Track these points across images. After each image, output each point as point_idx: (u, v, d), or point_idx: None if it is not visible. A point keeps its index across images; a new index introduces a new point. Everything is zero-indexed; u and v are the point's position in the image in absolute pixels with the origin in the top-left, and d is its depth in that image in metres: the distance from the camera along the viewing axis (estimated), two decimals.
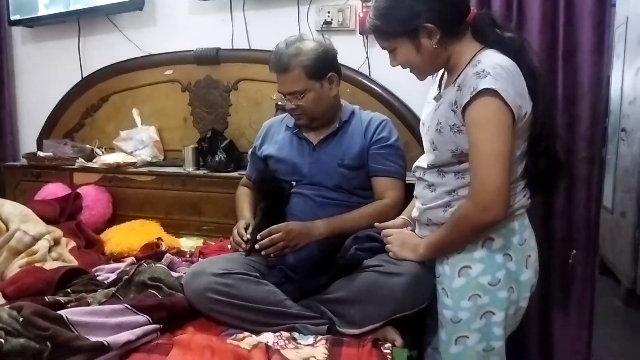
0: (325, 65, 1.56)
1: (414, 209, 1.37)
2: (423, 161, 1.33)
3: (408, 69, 1.28)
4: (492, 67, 1.13)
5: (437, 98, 1.29)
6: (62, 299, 1.43)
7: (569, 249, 1.73)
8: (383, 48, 1.28)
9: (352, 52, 2.08)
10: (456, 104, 1.17)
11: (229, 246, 1.67)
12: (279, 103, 1.67)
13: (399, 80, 2.01)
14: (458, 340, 1.26)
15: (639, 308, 2.80)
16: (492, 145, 1.12)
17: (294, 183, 1.62)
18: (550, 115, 1.25)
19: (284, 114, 1.74)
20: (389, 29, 1.21)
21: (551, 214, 1.74)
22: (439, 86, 1.33)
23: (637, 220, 2.86)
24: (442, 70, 1.33)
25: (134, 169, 2.27)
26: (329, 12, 2.12)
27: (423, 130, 1.34)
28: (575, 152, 1.73)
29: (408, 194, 1.58)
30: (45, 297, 1.41)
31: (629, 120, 3.13)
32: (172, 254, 1.81)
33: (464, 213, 1.19)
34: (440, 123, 1.22)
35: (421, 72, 1.29)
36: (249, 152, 1.86)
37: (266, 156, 1.71)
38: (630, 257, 2.92)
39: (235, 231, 1.62)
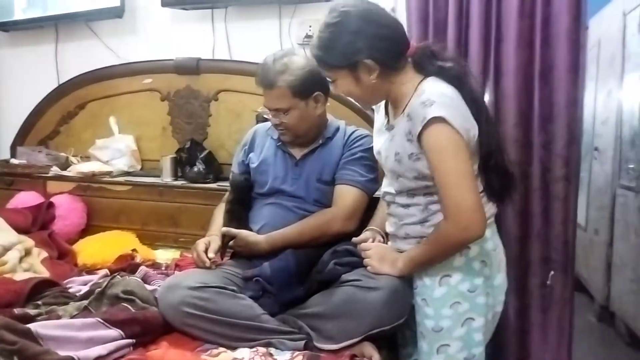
0: (311, 84, 1.54)
1: (388, 224, 1.39)
2: (389, 187, 1.35)
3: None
4: (436, 95, 1.17)
5: (390, 128, 1.31)
6: (31, 311, 1.39)
7: (547, 269, 1.75)
8: (326, 77, 1.33)
9: None
10: (410, 134, 1.21)
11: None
12: (264, 115, 1.65)
13: None
14: (440, 349, 1.28)
15: (612, 324, 2.85)
16: (456, 168, 1.17)
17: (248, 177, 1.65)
18: (496, 134, 1.29)
19: (270, 123, 1.72)
20: (329, 60, 1.25)
21: (528, 234, 1.76)
22: (386, 113, 1.36)
23: (610, 238, 2.92)
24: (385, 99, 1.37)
25: (110, 179, 2.22)
26: (310, 26, 2.13)
27: (380, 158, 1.37)
28: (551, 171, 1.76)
29: (372, 208, 1.58)
30: (14, 310, 1.36)
31: (601, 139, 3.23)
32: (147, 267, 1.77)
33: (444, 234, 1.22)
34: (398, 153, 1.25)
35: (363, 102, 1.36)
36: (234, 159, 1.80)
37: (249, 164, 1.70)
38: (603, 274, 2.98)
39: (194, 254, 1.54)
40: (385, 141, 1.32)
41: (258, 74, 1.55)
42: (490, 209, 1.29)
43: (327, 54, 1.23)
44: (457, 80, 1.23)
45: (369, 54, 1.20)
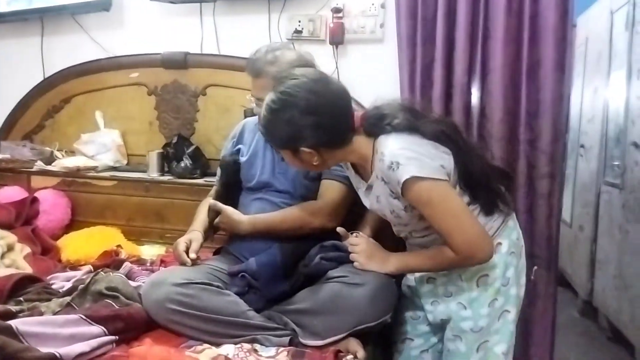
0: None
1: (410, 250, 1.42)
2: (402, 232, 1.38)
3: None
4: (396, 155, 1.17)
5: (369, 188, 1.32)
6: (13, 308, 1.36)
7: (531, 265, 1.77)
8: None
9: (322, 61, 2.06)
10: (394, 193, 1.23)
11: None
12: (253, 108, 1.64)
13: (368, 91, 2.02)
14: (480, 347, 1.31)
15: (595, 319, 2.89)
16: (450, 211, 1.19)
17: (242, 159, 1.65)
18: (474, 159, 1.27)
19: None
20: (271, 140, 1.30)
21: None
22: (357, 173, 1.36)
23: (594, 234, 2.96)
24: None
25: (95, 174, 2.19)
26: (299, 21, 2.12)
27: (377, 212, 1.37)
28: (536, 168, 1.77)
29: (361, 205, 1.55)
30: None
31: (587, 137, 3.26)
32: (132, 262, 1.75)
33: (458, 261, 1.24)
34: (393, 211, 1.28)
35: (315, 172, 1.41)
36: (223, 151, 1.80)
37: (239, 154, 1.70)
38: (587, 269, 3.02)
39: (175, 253, 1.53)
40: (372, 201, 1.33)
41: (248, 62, 1.55)
42: (497, 218, 1.31)
43: (269, 134, 1.28)
44: (410, 129, 1.22)
45: (307, 144, 1.22)
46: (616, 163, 2.67)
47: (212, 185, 1.81)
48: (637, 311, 2.32)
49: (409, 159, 1.16)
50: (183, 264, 1.48)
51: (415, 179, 1.15)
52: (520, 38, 1.76)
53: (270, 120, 1.25)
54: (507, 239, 1.31)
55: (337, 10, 2.06)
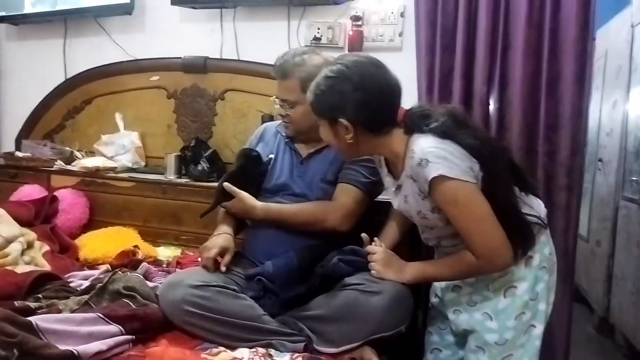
0: None
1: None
2: (429, 236, 1.38)
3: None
4: (426, 153, 1.17)
5: (398, 187, 1.32)
6: (32, 304, 1.39)
7: None
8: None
9: None
10: (422, 193, 1.23)
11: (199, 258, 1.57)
12: (277, 110, 1.65)
13: None
14: None
15: (611, 336, 2.84)
16: (475, 214, 1.19)
17: (271, 156, 1.65)
18: (502, 185, 1.23)
19: (279, 121, 1.72)
20: (315, 106, 1.30)
21: None
22: (389, 172, 1.36)
23: (612, 250, 2.92)
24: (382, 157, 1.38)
25: (114, 174, 2.22)
26: (318, 29, 2.14)
27: (405, 213, 1.37)
28: (554, 180, 1.76)
29: (378, 212, 1.59)
30: (15, 302, 1.36)
31: (605, 150, 3.22)
32: (148, 263, 1.77)
33: (476, 267, 1.23)
34: (420, 212, 1.28)
35: (342, 155, 1.39)
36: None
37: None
38: (604, 285, 2.97)
39: (204, 255, 1.49)
40: (400, 201, 1.33)
41: (276, 64, 1.57)
42: (537, 210, 1.30)
43: (316, 101, 1.29)
44: (447, 135, 1.20)
45: (348, 117, 1.23)
46: (635, 178, 2.63)
47: None
48: None
49: (438, 157, 1.16)
50: (208, 269, 1.46)
51: (442, 177, 1.15)
52: (541, 50, 1.75)
53: (321, 86, 1.27)
54: (539, 253, 1.30)
55: (356, 19, 2.07)
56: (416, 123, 1.24)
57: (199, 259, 1.57)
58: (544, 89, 1.76)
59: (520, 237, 1.24)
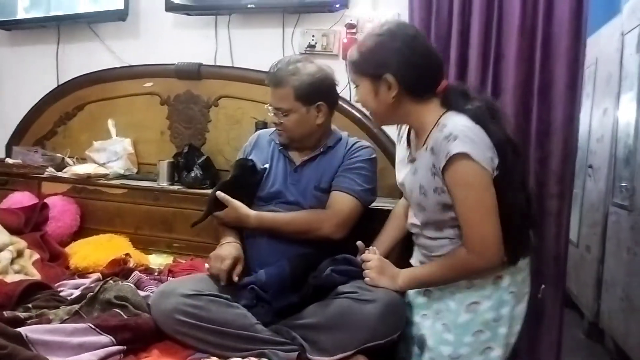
0: (317, 92, 1.55)
1: (417, 255, 1.40)
2: (414, 218, 1.36)
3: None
4: (458, 129, 1.18)
5: (412, 160, 1.32)
6: (21, 314, 1.37)
7: (538, 283, 1.76)
8: (351, 80, 1.35)
9: (335, 76, 2.10)
10: (434, 167, 1.22)
11: (206, 266, 1.53)
12: (270, 117, 1.65)
13: None
14: None
15: (601, 341, 2.85)
16: (481, 203, 1.19)
17: (266, 166, 1.64)
18: (520, 179, 1.27)
19: (273, 129, 1.72)
20: (359, 65, 1.29)
21: None
22: (408, 145, 1.36)
23: (602, 255, 2.94)
24: (407, 128, 1.38)
25: (105, 181, 2.21)
26: (313, 36, 2.15)
27: (404, 190, 1.38)
28: (546, 187, 1.77)
29: (371, 220, 1.59)
30: (4, 312, 1.35)
31: (595, 157, 3.25)
32: (140, 272, 1.76)
33: (466, 262, 1.23)
34: (422, 187, 1.26)
35: (376, 119, 1.37)
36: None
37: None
38: (594, 290, 2.99)
39: (216, 265, 1.47)
40: (408, 174, 1.33)
41: (269, 71, 1.57)
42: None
43: (360, 58, 1.28)
44: (479, 121, 1.22)
45: (395, 73, 1.23)
46: (624, 184, 2.66)
47: None
48: None
49: (467, 137, 1.17)
50: (220, 280, 1.44)
51: (465, 156, 1.15)
52: (533, 59, 1.77)
53: (368, 43, 1.27)
54: (510, 276, 1.28)
55: (350, 26, 2.08)
56: (454, 99, 1.26)
57: (206, 266, 1.53)
58: (536, 97, 1.78)
59: (515, 242, 1.24)
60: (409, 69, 1.23)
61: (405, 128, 1.39)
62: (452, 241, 1.28)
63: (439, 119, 1.24)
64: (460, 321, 1.27)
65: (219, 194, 1.56)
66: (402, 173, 1.36)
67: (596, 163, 3.22)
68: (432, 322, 1.33)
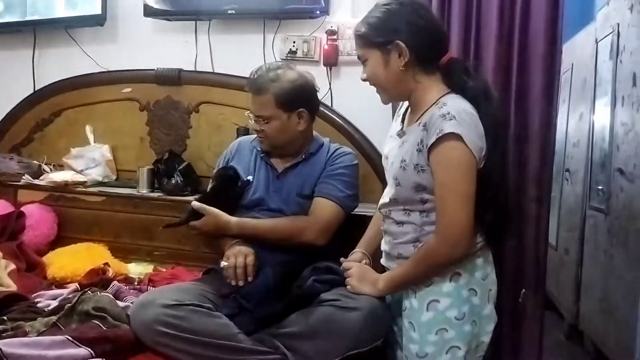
0: (298, 99, 1.55)
1: (383, 242, 1.39)
2: (386, 196, 1.35)
3: (370, 93, 1.34)
4: (457, 111, 1.18)
5: (401, 134, 1.32)
6: None
7: (519, 287, 1.78)
8: (358, 58, 1.34)
9: (316, 82, 2.10)
10: (422, 143, 1.22)
11: (224, 266, 1.48)
12: (251, 124, 1.64)
13: (361, 113, 2.06)
14: None
15: (581, 343, 2.90)
16: (460, 187, 1.18)
17: (250, 178, 1.62)
18: (505, 167, 1.29)
19: (254, 136, 1.71)
20: (368, 36, 1.28)
21: (502, 253, 1.79)
22: (402, 121, 1.36)
23: (580, 258, 2.99)
24: (406, 106, 1.37)
25: (83, 189, 2.17)
26: (294, 42, 2.15)
27: (386, 164, 1.37)
28: (525, 192, 1.80)
29: (354, 226, 1.60)
30: None
31: (572, 161, 3.32)
32: (119, 281, 1.73)
33: (432, 249, 1.23)
34: (404, 160, 1.26)
35: (385, 92, 1.33)
36: (215, 169, 1.76)
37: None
38: (573, 293, 3.04)
39: (242, 259, 1.46)
40: (394, 147, 1.33)
41: (250, 79, 1.57)
42: (477, 238, 1.27)
43: (369, 29, 1.27)
44: (477, 101, 1.24)
45: (406, 39, 1.23)
46: (600, 187, 2.72)
47: None
48: (622, 335, 2.34)
49: (464, 120, 1.17)
50: (238, 277, 1.44)
51: (457, 136, 1.15)
52: (510, 65, 1.80)
53: (376, 13, 1.27)
54: (468, 273, 1.26)
55: (331, 33, 2.09)
56: (456, 74, 1.27)
57: (223, 264, 1.48)
58: (514, 103, 1.81)
59: (494, 226, 1.25)
60: (420, 35, 1.24)
61: (404, 105, 1.39)
62: (416, 229, 1.27)
63: (440, 97, 1.25)
64: (423, 319, 1.27)
65: (195, 203, 1.53)
66: (388, 146, 1.37)
67: (573, 167, 3.28)
68: (402, 320, 1.33)
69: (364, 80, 1.33)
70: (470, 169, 1.18)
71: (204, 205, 1.53)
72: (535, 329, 1.83)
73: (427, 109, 1.24)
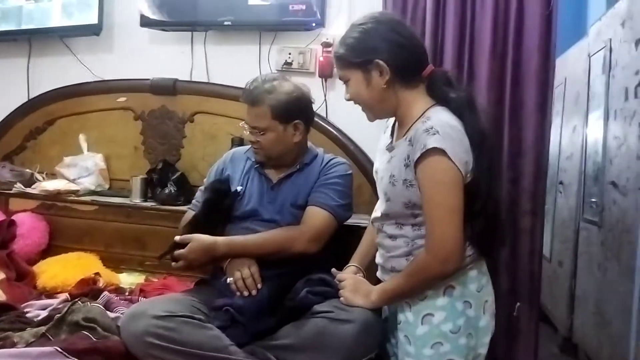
0: (294, 110, 1.55)
1: (378, 254, 1.38)
2: (378, 210, 1.35)
3: (360, 108, 1.34)
4: (440, 125, 1.18)
5: (390, 149, 1.32)
6: None
7: (514, 301, 1.78)
8: (340, 78, 1.34)
9: (311, 94, 2.11)
10: (409, 159, 1.22)
11: (231, 281, 1.47)
12: (246, 135, 1.63)
13: (355, 125, 2.06)
14: None
15: (575, 356, 2.89)
16: (447, 202, 1.18)
17: (239, 189, 1.61)
18: (492, 176, 1.28)
19: (248, 146, 1.71)
20: (347, 57, 1.28)
21: (496, 266, 1.79)
22: (392, 134, 1.37)
23: (574, 270, 3.00)
24: (394, 119, 1.38)
25: (76, 198, 2.16)
26: (289, 54, 2.16)
27: (376, 178, 1.37)
28: (519, 205, 1.81)
29: (348, 236, 1.60)
30: None
31: (566, 174, 3.33)
32: (110, 292, 1.71)
33: (423, 265, 1.22)
34: (393, 176, 1.26)
35: (370, 111, 1.33)
36: (207, 179, 1.75)
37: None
38: (567, 305, 3.04)
39: (247, 270, 1.46)
40: (383, 162, 1.32)
41: (245, 90, 1.56)
42: (469, 250, 1.26)
43: (347, 50, 1.28)
44: (462, 112, 1.23)
45: (385, 57, 1.23)
46: (594, 200, 2.73)
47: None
48: (616, 348, 2.34)
49: (448, 134, 1.17)
50: (249, 287, 1.44)
51: (440, 151, 1.15)
52: (504, 80, 1.82)
53: (354, 33, 1.27)
54: (462, 286, 1.25)
55: (327, 45, 2.10)
56: (439, 85, 1.27)
57: (229, 280, 1.47)
58: (508, 117, 1.82)
59: (483, 236, 1.24)
60: (398, 52, 1.24)
61: (393, 118, 1.39)
62: (408, 243, 1.27)
63: (424, 111, 1.24)
64: (419, 333, 1.26)
65: (177, 238, 1.50)
66: (378, 160, 1.36)
67: (566, 180, 3.30)
68: (398, 333, 1.32)
69: (348, 100, 1.33)
70: (455, 183, 1.18)
71: (186, 235, 1.50)
72: (530, 342, 1.83)
73: (413, 123, 1.25)
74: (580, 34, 3.25)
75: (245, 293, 1.44)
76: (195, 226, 1.54)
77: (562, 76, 3.46)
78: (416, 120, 1.24)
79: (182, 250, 1.48)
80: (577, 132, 3.17)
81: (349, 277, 1.38)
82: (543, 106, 1.80)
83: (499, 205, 1.30)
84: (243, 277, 1.45)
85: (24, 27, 2.34)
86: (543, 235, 1.85)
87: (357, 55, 1.26)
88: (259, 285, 1.45)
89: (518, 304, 1.78)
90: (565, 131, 3.43)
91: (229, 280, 1.47)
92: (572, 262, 3.01)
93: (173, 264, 1.51)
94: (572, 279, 3.00)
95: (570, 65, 3.34)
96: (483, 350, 1.31)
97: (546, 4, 1.77)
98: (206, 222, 1.54)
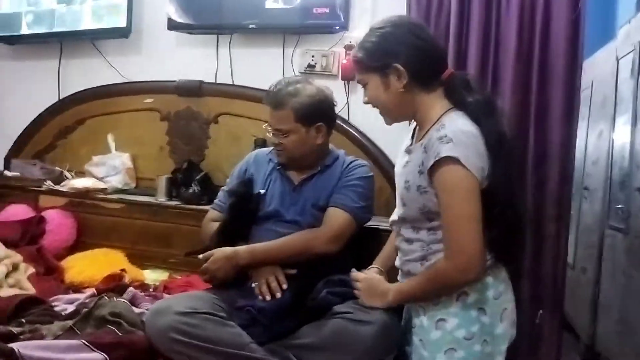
0: (317, 113, 1.57)
1: (397, 258, 1.38)
2: (395, 214, 1.35)
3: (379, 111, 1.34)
4: (454, 133, 1.17)
5: (408, 151, 1.32)
6: (14, 329, 1.36)
7: (536, 308, 1.75)
8: (358, 82, 1.34)
9: (333, 96, 2.12)
10: (422, 165, 1.22)
11: (255, 285, 1.50)
12: (269, 137, 1.65)
13: (377, 127, 2.05)
14: None
15: None
16: (464, 209, 1.16)
17: (261, 191, 1.63)
18: (511, 181, 1.25)
19: (270, 148, 1.73)
20: (366, 61, 1.28)
21: (519, 272, 1.76)
22: (412, 136, 1.36)
23: (597, 277, 2.93)
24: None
25: (103, 195, 2.21)
26: (313, 56, 2.18)
27: (396, 180, 1.37)
28: (544, 211, 1.78)
29: (368, 239, 1.60)
30: None
31: (591, 179, 3.27)
32: (135, 287, 1.75)
33: (442, 272, 1.21)
34: (408, 182, 1.26)
35: (388, 115, 1.33)
36: (229, 180, 1.78)
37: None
38: (590, 313, 2.98)
39: (272, 275, 1.49)
40: (400, 165, 1.32)
41: (268, 93, 1.58)
42: (486, 255, 1.22)
43: (366, 54, 1.28)
44: (480, 117, 1.22)
45: (403, 61, 1.23)
46: (620, 206, 2.67)
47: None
48: None
49: (461, 141, 1.15)
50: (266, 289, 1.47)
51: (454, 160, 1.14)
52: (529, 84, 1.79)
53: (372, 38, 1.27)
54: (477, 293, 1.22)
55: (350, 48, 2.11)
56: (457, 89, 1.26)
57: (254, 285, 1.50)
58: (533, 121, 1.79)
59: (502, 243, 1.21)
60: (417, 55, 1.24)
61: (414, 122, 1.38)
62: (423, 247, 1.26)
63: (441, 116, 1.23)
64: (433, 338, 1.25)
65: (200, 256, 1.55)
66: (398, 163, 1.36)
67: (592, 185, 3.23)
68: (413, 337, 1.31)
69: (366, 103, 1.33)
70: (471, 190, 1.16)
71: (207, 252, 1.54)
72: (553, 350, 1.80)
73: (430, 128, 1.24)
74: (608, 36, 3.18)
75: (268, 297, 1.46)
76: (224, 232, 1.58)
77: (588, 79, 3.39)
78: (432, 126, 1.23)
79: (207, 265, 1.52)
80: (604, 137, 3.10)
81: (363, 278, 1.38)
82: (569, 110, 1.77)
83: (520, 212, 1.28)
84: (268, 282, 1.48)
85: (55, 30, 2.42)
86: (568, 241, 1.82)
87: (375, 60, 1.26)
88: (285, 286, 1.47)
89: (540, 311, 1.76)
90: (591, 136, 3.37)
91: (253, 285, 1.50)
92: (596, 268, 2.95)
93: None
94: (596, 286, 2.94)
95: (597, 68, 3.27)
96: (500, 358, 1.28)
97: (573, 7, 1.74)
98: (233, 226, 1.58)
